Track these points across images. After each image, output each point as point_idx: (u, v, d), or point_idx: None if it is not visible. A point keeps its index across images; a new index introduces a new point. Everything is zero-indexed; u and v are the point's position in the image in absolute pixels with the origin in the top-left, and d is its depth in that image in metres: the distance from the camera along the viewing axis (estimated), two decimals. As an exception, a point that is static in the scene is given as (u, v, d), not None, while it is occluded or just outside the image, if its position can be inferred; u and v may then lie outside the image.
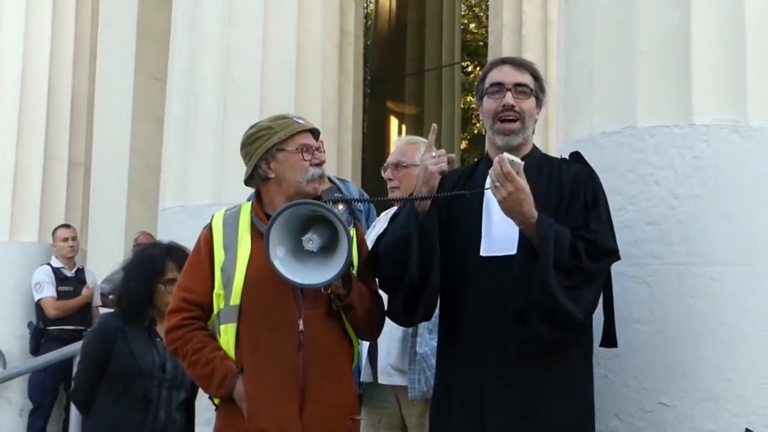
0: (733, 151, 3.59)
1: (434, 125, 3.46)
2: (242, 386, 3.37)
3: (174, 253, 4.49)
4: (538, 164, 3.42)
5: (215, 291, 3.46)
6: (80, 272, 8.60)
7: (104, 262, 8.81)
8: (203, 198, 5.84)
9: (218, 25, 5.96)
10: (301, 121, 3.60)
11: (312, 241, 3.16)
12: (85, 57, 9.37)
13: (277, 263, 3.17)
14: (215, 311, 3.47)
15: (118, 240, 9.09)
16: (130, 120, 9.36)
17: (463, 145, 17.82)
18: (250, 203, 3.58)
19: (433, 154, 3.34)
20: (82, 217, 9.20)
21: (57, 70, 9.03)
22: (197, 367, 3.45)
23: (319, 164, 3.51)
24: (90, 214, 9.23)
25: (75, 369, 4.70)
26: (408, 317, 3.46)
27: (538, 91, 3.46)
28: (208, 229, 3.56)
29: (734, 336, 3.49)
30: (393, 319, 3.54)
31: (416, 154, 4.25)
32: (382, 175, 4.35)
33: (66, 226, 8.57)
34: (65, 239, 8.47)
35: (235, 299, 3.41)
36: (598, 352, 3.40)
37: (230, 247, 3.48)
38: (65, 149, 9.05)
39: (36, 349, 8.29)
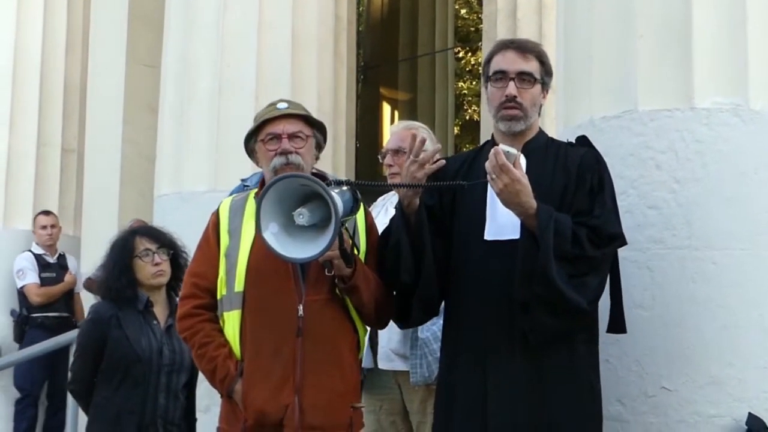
0: (735, 134, 3.59)
1: (419, 136, 3.43)
2: (240, 388, 3.38)
3: (140, 230, 4.58)
4: (544, 148, 3.41)
5: (219, 276, 3.45)
6: (62, 258, 8.54)
7: (97, 249, 8.72)
8: (199, 185, 5.83)
9: (213, 10, 5.94)
10: (283, 105, 3.56)
11: (302, 215, 3.13)
12: (78, 43, 9.33)
13: (267, 236, 3.14)
14: (218, 297, 3.46)
15: (111, 227, 8.99)
16: (122, 107, 9.29)
17: (456, 131, 17.77)
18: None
19: (412, 158, 3.31)
20: (75, 203, 9.17)
21: (49, 57, 9.00)
22: (202, 362, 3.48)
23: (283, 153, 3.45)
24: (83, 201, 9.18)
25: (71, 360, 4.68)
26: (402, 321, 3.53)
27: (543, 75, 3.43)
28: (216, 215, 3.56)
29: (736, 320, 3.50)
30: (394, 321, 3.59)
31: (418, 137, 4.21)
32: (381, 161, 4.32)
33: (46, 212, 8.51)
34: (44, 227, 8.43)
35: (239, 285, 3.41)
36: (600, 337, 3.39)
37: (235, 232, 3.47)
38: (58, 136, 9.02)
39: (20, 337, 8.24)
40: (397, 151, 4.22)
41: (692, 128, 3.58)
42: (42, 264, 8.39)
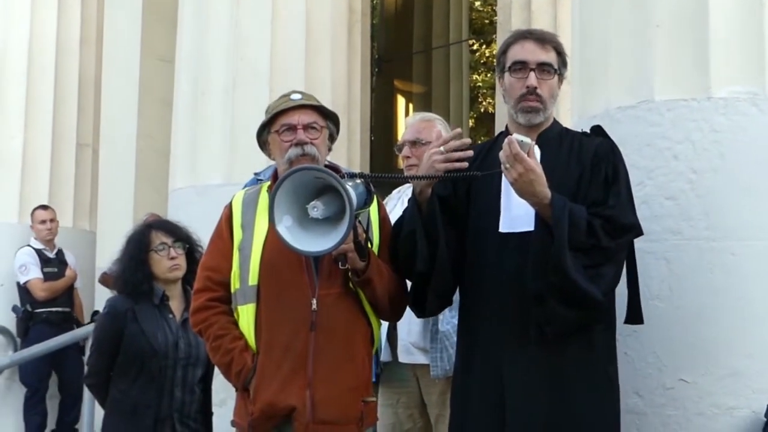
0: (752, 123, 3.56)
1: (458, 130, 3.41)
2: (256, 381, 3.37)
3: (155, 224, 4.59)
4: (558, 138, 3.38)
5: (232, 270, 3.44)
6: (60, 253, 8.47)
7: (113, 243, 8.75)
8: (213, 178, 5.85)
9: (226, 4, 5.93)
10: (297, 97, 3.54)
11: (316, 208, 3.11)
12: (92, 38, 9.34)
13: (281, 229, 3.13)
14: (232, 291, 3.45)
15: (127, 221, 9.02)
16: (136, 102, 9.33)
17: (471, 123, 17.73)
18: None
19: (442, 149, 3.28)
20: (91, 198, 9.18)
21: (64, 52, 9.00)
22: (217, 354, 3.46)
23: (298, 144, 3.44)
24: (99, 196, 9.19)
25: (88, 354, 4.69)
26: (418, 309, 3.49)
27: (560, 66, 3.40)
28: (229, 209, 3.55)
29: (755, 311, 3.47)
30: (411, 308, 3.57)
31: (432, 131, 4.20)
32: (397, 153, 4.31)
33: (44, 207, 8.43)
34: (42, 221, 8.34)
35: (253, 279, 3.39)
36: (618, 330, 3.36)
37: (248, 226, 3.46)
38: (73, 131, 9.02)
39: (25, 333, 8.17)
40: (414, 143, 4.20)
41: (709, 118, 3.55)
42: (43, 259, 8.31)
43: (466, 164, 3.28)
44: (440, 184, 3.34)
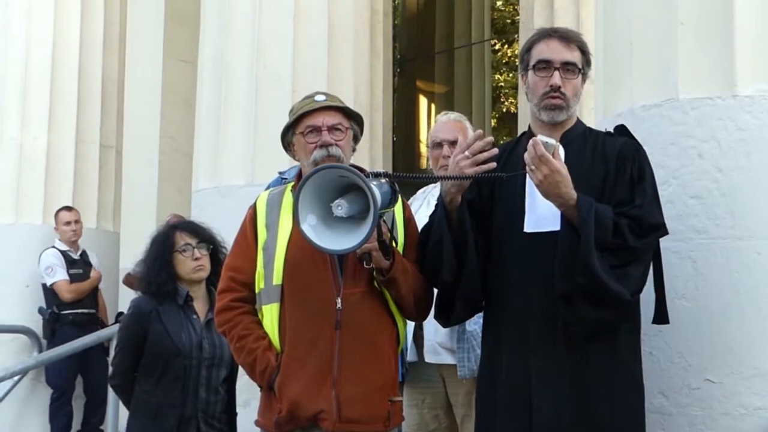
0: (778, 122, 3.53)
1: (479, 131, 3.39)
2: (281, 379, 3.37)
3: (179, 225, 4.61)
4: (582, 138, 3.38)
5: (257, 270, 3.45)
6: (84, 254, 8.48)
7: (136, 244, 8.78)
8: (236, 179, 5.86)
9: (249, 4, 5.94)
10: (321, 98, 3.54)
11: (341, 206, 3.11)
12: (115, 40, 9.38)
13: (305, 228, 3.14)
14: (256, 290, 3.46)
15: (150, 222, 9.05)
16: (159, 103, 9.36)
17: (493, 123, 17.69)
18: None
19: (467, 153, 3.26)
20: (114, 199, 9.21)
21: (87, 54, 9.04)
22: (241, 354, 3.47)
23: (323, 146, 3.44)
24: (122, 197, 9.23)
25: (112, 354, 4.71)
26: (443, 318, 3.48)
27: (584, 65, 3.40)
28: (253, 209, 3.56)
29: (781, 310, 3.44)
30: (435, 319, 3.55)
31: (468, 132, 4.17)
32: (429, 149, 4.27)
33: (68, 208, 8.45)
34: (68, 223, 8.35)
35: (278, 279, 3.40)
36: (643, 329, 3.35)
37: (272, 226, 3.47)
38: (96, 132, 9.05)
39: (51, 335, 8.17)
40: (453, 143, 4.15)
41: (735, 116, 3.52)
42: (68, 261, 8.32)
43: (494, 165, 3.27)
44: (466, 188, 3.33)
